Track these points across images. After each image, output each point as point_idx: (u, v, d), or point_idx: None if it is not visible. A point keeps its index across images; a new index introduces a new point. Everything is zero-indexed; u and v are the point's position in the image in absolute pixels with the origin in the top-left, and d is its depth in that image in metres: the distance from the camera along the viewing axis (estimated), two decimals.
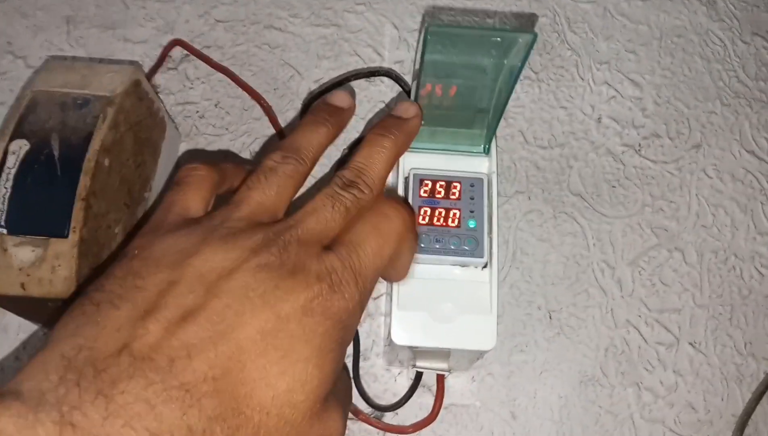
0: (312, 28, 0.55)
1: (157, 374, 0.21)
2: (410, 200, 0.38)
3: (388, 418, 0.42)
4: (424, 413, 0.42)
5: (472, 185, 0.39)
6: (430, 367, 0.39)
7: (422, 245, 0.37)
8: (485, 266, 0.37)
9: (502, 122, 0.51)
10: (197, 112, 0.52)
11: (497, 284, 0.36)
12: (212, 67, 0.52)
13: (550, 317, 0.45)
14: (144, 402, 0.20)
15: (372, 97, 0.52)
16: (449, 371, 0.39)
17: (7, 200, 0.36)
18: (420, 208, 0.38)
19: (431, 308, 0.36)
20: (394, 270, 0.31)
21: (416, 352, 0.38)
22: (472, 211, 0.38)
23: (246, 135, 0.51)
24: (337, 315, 0.24)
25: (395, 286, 0.36)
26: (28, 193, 0.36)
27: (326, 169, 0.49)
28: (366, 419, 0.41)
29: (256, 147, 0.50)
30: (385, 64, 0.54)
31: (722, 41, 0.55)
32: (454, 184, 0.39)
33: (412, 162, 0.39)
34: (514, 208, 0.48)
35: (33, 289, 0.34)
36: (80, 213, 0.36)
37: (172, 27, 0.55)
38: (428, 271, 0.37)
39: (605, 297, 0.46)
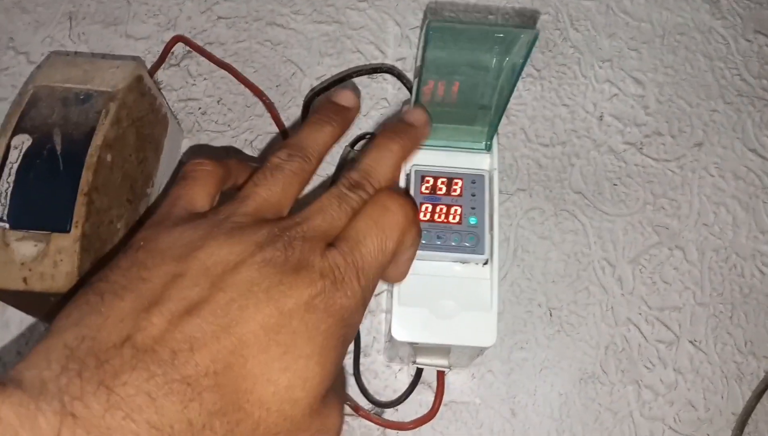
0: (314, 25, 0.55)
1: (159, 366, 0.21)
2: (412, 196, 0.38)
3: (389, 414, 0.42)
4: (424, 410, 0.42)
5: (473, 182, 0.39)
6: (430, 363, 0.39)
7: (423, 242, 0.37)
8: (486, 263, 0.37)
9: (503, 120, 0.51)
10: (199, 108, 0.52)
11: (498, 281, 0.36)
12: (214, 63, 0.52)
13: (551, 315, 0.45)
14: (145, 395, 0.20)
15: (374, 95, 0.52)
16: (449, 367, 0.39)
17: (9, 195, 0.36)
18: (421, 204, 0.38)
19: (432, 305, 0.36)
20: (395, 266, 0.31)
21: (416, 348, 0.38)
22: (473, 208, 0.38)
23: (248, 132, 0.51)
24: (339, 312, 0.24)
25: (395, 284, 0.37)
26: (30, 188, 0.36)
27: (329, 167, 0.49)
28: (366, 416, 0.41)
29: (258, 144, 0.51)
30: (388, 61, 0.54)
31: (725, 39, 0.55)
32: (456, 180, 0.39)
33: (414, 158, 0.39)
34: (515, 205, 0.48)
35: (35, 284, 0.35)
36: (82, 208, 0.36)
37: (174, 23, 0.55)
38: (429, 267, 0.37)
39: (606, 295, 0.46)
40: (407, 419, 0.42)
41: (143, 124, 0.43)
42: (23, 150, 0.37)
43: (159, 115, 0.46)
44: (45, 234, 0.35)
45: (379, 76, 0.53)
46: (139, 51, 0.54)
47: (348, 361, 0.43)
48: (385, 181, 0.29)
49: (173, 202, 0.28)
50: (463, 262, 0.37)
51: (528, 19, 0.56)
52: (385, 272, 0.30)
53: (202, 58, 0.53)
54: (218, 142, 0.50)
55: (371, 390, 0.42)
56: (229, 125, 0.51)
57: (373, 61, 0.54)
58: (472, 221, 0.38)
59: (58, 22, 0.55)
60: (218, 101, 0.52)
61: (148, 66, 0.53)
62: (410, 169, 0.39)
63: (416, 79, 0.36)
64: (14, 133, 0.37)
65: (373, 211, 0.27)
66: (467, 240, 0.37)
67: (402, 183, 0.39)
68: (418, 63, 0.35)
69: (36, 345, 0.21)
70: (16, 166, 0.36)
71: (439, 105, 0.38)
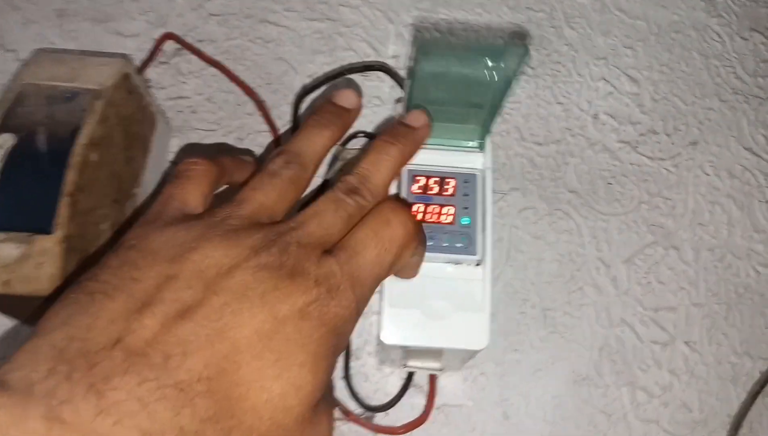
0: (306, 23, 0.54)
1: (151, 370, 0.20)
2: (404, 196, 0.37)
3: (379, 418, 0.42)
4: (416, 414, 0.41)
5: (466, 181, 0.38)
6: (421, 366, 0.38)
7: None
8: (478, 264, 0.37)
9: (497, 118, 0.51)
10: (189, 107, 0.51)
11: (491, 283, 0.36)
12: (205, 61, 0.52)
13: (545, 316, 0.44)
14: (137, 400, 0.19)
15: (367, 93, 0.52)
16: (441, 370, 0.39)
17: None
18: (413, 204, 0.37)
19: (423, 306, 0.36)
20: (401, 272, 0.31)
21: (407, 351, 0.37)
22: (466, 208, 0.37)
23: (239, 130, 0.50)
24: (332, 321, 0.24)
25: (386, 283, 0.36)
26: (13, 188, 0.35)
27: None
28: (356, 420, 0.41)
29: (248, 143, 0.50)
30: (381, 59, 0.53)
31: (720, 37, 0.55)
32: (448, 180, 0.38)
33: None
34: (509, 205, 0.48)
35: (17, 286, 0.34)
36: (66, 209, 0.36)
37: (164, 20, 0.54)
38: (420, 268, 0.37)
39: (600, 295, 0.45)
40: (398, 423, 0.41)
41: (131, 123, 0.42)
42: (7, 149, 0.36)
43: (147, 113, 0.45)
44: (27, 235, 0.34)
45: (372, 74, 0.52)
46: (129, 48, 0.53)
47: (338, 364, 0.42)
48: (382, 186, 0.29)
49: (166, 201, 0.28)
50: (456, 263, 0.37)
51: (518, 37, 0.55)
52: (391, 274, 0.30)
53: (193, 56, 0.52)
54: (208, 140, 0.50)
55: (362, 394, 0.42)
56: (219, 124, 0.50)
57: (366, 59, 0.53)
58: (465, 221, 0.37)
59: (47, 18, 0.54)
60: (208, 99, 0.51)
61: (138, 63, 0.52)
62: (402, 168, 0.38)
63: (407, 91, 0.35)
64: None
65: (374, 222, 0.27)
66: (459, 241, 0.36)
67: (393, 182, 0.39)
68: (407, 84, 0.34)
69: (22, 345, 0.21)
70: None
71: (431, 103, 0.37)
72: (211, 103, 0.51)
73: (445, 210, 0.37)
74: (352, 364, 0.43)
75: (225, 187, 0.32)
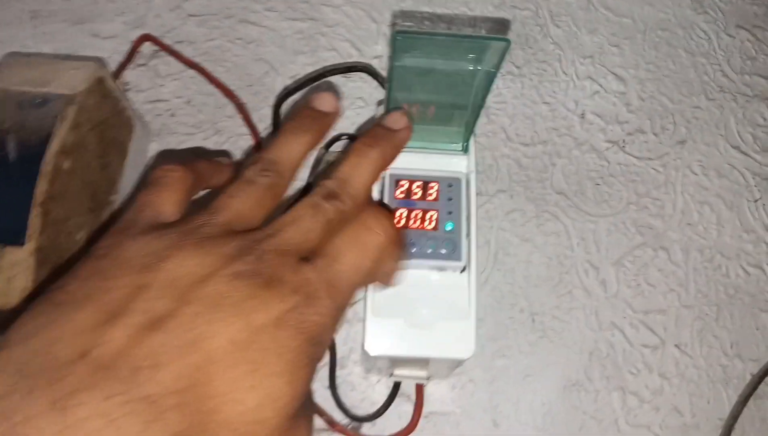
0: (288, 22, 0.53)
1: (118, 384, 0.19)
2: (386, 202, 0.36)
3: (366, 429, 0.41)
4: (404, 423, 0.40)
5: (450, 185, 0.37)
6: (408, 375, 0.37)
7: None
8: (463, 270, 0.36)
9: (483, 119, 0.50)
10: (168, 110, 0.50)
11: (476, 289, 0.35)
12: (183, 63, 0.50)
13: (533, 320, 0.44)
14: (103, 415, 0.18)
15: (350, 94, 0.51)
16: (428, 379, 0.38)
17: None
18: (396, 209, 0.36)
19: (407, 316, 0.35)
20: (378, 278, 0.30)
21: (393, 360, 0.37)
22: (450, 213, 0.37)
23: (218, 134, 0.49)
24: (310, 330, 0.23)
25: (369, 292, 0.35)
26: None
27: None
28: (343, 431, 0.40)
29: (229, 146, 0.49)
30: (364, 59, 0.52)
31: (707, 34, 0.54)
32: (432, 184, 0.37)
33: None
34: (495, 207, 0.47)
35: None
36: (37, 220, 0.34)
37: (142, 21, 0.53)
38: (404, 275, 0.36)
39: (589, 298, 0.44)
40: (386, 433, 0.40)
41: (106, 128, 0.41)
42: None
43: (123, 117, 0.44)
44: None
45: (355, 75, 0.51)
46: (105, 50, 0.52)
47: (323, 373, 0.41)
48: (362, 190, 0.28)
49: (140, 209, 0.27)
50: (440, 269, 0.36)
51: (501, 27, 0.54)
52: (369, 282, 0.29)
53: (171, 58, 0.51)
54: (188, 144, 0.48)
55: (348, 403, 0.41)
56: (199, 127, 0.49)
57: (349, 60, 0.52)
58: (449, 226, 0.36)
59: (21, 20, 0.53)
60: (188, 102, 0.50)
61: (115, 66, 0.51)
62: (384, 173, 0.37)
63: (387, 88, 0.34)
64: None
65: (354, 228, 0.26)
66: (444, 246, 0.36)
67: (376, 187, 0.38)
68: (388, 82, 0.33)
69: None
70: None
71: (412, 102, 0.36)
72: (191, 106, 0.50)
73: (428, 215, 0.36)
74: (338, 373, 0.42)
75: (203, 192, 0.32)
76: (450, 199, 0.37)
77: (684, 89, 0.52)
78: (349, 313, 0.44)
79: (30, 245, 0.34)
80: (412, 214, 0.36)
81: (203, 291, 0.22)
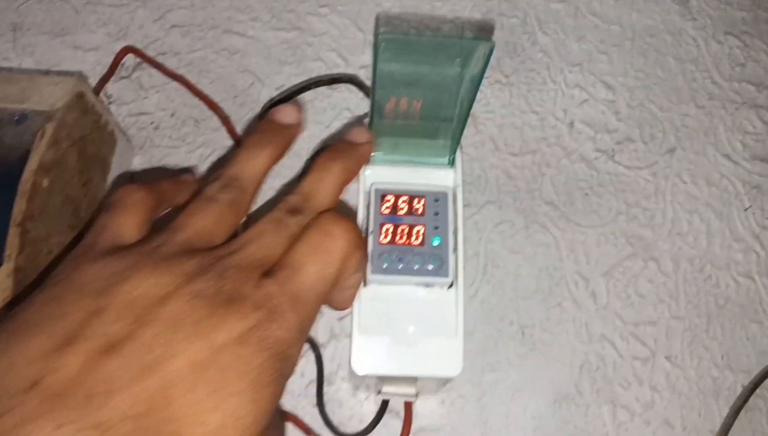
0: (273, 33, 0.53)
1: (70, 412, 0.19)
2: (372, 217, 0.36)
3: None
4: None
5: (436, 200, 0.37)
6: (396, 393, 0.37)
7: (384, 266, 0.35)
8: (451, 286, 0.35)
9: (471, 129, 0.50)
10: (152, 123, 0.49)
11: (463, 306, 0.34)
12: (167, 75, 0.50)
13: (523, 334, 0.43)
14: None
15: (336, 105, 0.50)
16: (417, 396, 0.37)
17: None
18: (382, 225, 0.36)
19: (394, 333, 0.34)
20: (339, 293, 0.29)
21: (381, 378, 0.36)
22: (436, 228, 0.36)
23: (203, 146, 0.48)
24: (275, 346, 0.22)
25: (355, 310, 0.34)
26: None
27: (289, 180, 0.47)
28: None
29: (214, 159, 0.48)
30: (350, 69, 0.52)
31: (695, 41, 0.54)
32: (418, 199, 0.37)
33: (374, 176, 0.37)
34: (484, 218, 0.47)
35: None
36: (15, 239, 0.34)
37: (125, 33, 0.52)
38: (390, 292, 0.35)
39: (579, 311, 0.44)
40: None
41: (87, 144, 0.40)
42: None
43: (105, 132, 0.43)
44: None
45: (341, 86, 0.51)
46: (88, 62, 0.51)
47: (311, 390, 0.41)
48: (325, 205, 0.28)
49: (98, 232, 0.26)
50: (427, 285, 0.35)
51: (484, 30, 0.54)
52: (329, 299, 0.28)
53: (155, 70, 0.50)
54: (172, 157, 0.48)
55: (335, 421, 0.40)
56: (183, 140, 0.48)
57: (335, 70, 0.52)
58: (436, 241, 0.36)
59: (2, 33, 0.52)
60: (172, 115, 0.49)
61: (98, 78, 0.50)
62: (369, 188, 0.37)
63: (371, 94, 0.34)
64: None
65: (313, 236, 0.25)
66: (431, 262, 0.35)
67: (361, 202, 0.37)
68: (371, 77, 0.33)
69: None
70: None
71: (399, 118, 0.36)
72: (175, 119, 0.49)
73: (415, 230, 0.36)
74: (326, 390, 0.41)
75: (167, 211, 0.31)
76: (437, 213, 0.36)
77: (673, 97, 0.52)
78: (336, 328, 0.43)
79: (8, 266, 0.33)
80: (398, 230, 0.36)
81: (161, 312, 0.21)
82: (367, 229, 0.36)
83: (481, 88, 0.31)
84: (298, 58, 0.52)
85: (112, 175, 0.44)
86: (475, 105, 0.32)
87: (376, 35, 0.51)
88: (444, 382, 0.38)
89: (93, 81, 0.50)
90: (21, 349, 0.20)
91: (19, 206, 0.34)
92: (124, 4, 0.53)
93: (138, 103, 0.50)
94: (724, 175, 0.49)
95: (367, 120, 0.38)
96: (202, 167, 0.48)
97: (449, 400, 0.41)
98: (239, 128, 0.49)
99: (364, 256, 0.29)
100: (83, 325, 0.21)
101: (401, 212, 0.36)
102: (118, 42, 0.52)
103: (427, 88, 0.33)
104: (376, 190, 0.37)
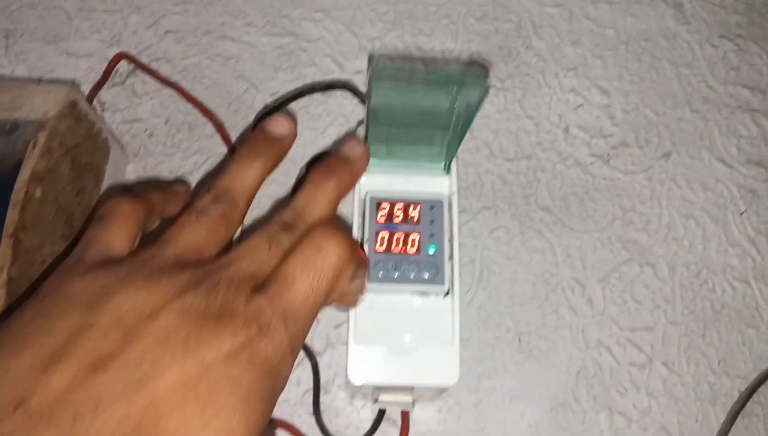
0: (268, 38, 0.53)
1: (57, 431, 0.19)
2: (367, 226, 0.36)
3: None
4: None
5: (431, 208, 0.37)
6: (393, 401, 0.37)
7: (380, 274, 0.35)
8: (447, 294, 0.35)
9: (466, 134, 0.49)
10: (146, 130, 0.49)
11: (459, 314, 0.34)
12: (160, 82, 0.50)
13: (519, 340, 0.43)
14: None
15: (331, 111, 0.50)
16: (413, 404, 0.37)
17: None
18: (377, 233, 0.36)
19: (390, 342, 0.34)
20: (344, 298, 0.29)
21: (377, 387, 0.36)
22: (432, 235, 0.36)
23: (198, 153, 0.48)
24: (265, 362, 0.22)
25: (351, 319, 0.34)
26: None
27: (283, 188, 0.47)
28: None
29: (208, 166, 0.48)
30: (345, 75, 0.52)
31: (690, 45, 0.54)
32: (413, 206, 0.37)
33: (369, 183, 0.37)
34: (480, 224, 0.46)
35: None
36: (8, 250, 0.33)
37: (118, 39, 0.52)
38: (386, 301, 0.35)
39: (576, 317, 0.44)
40: None
41: (80, 152, 0.40)
42: None
43: (99, 140, 0.43)
44: None
45: (336, 91, 0.50)
46: (81, 69, 0.51)
47: (308, 399, 0.40)
48: (319, 221, 0.27)
49: (87, 245, 0.26)
50: (423, 294, 0.35)
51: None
52: (335, 302, 0.28)
53: (148, 76, 0.50)
54: (166, 165, 0.48)
55: (332, 430, 0.40)
56: (177, 147, 0.48)
57: (330, 75, 0.51)
58: (431, 249, 0.36)
59: None
60: (166, 122, 0.49)
61: (91, 85, 0.50)
62: (365, 196, 0.37)
63: (366, 122, 0.34)
64: None
65: (304, 251, 0.25)
66: (426, 270, 0.35)
67: (356, 210, 0.37)
68: (365, 112, 0.33)
69: None
70: None
71: (392, 127, 0.35)
72: (169, 126, 0.49)
73: (410, 238, 0.36)
74: (322, 399, 0.41)
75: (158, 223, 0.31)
76: (432, 221, 0.36)
77: (668, 101, 0.52)
78: (332, 336, 0.43)
79: (1, 277, 0.33)
80: (394, 238, 0.36)
81: (151, 327, 0.21)
82: (362, 237, 0.35)
83: None
84: (293, 64, 0.52)
85: (105, 184, 0.44)
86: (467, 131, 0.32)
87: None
88: (441, 390, 0.37)
89: (86, 88, 0.49)
90: (8, 366, 0.20)
91: (12, 217, 0.34)
92: (117, 10, 0.53)
93: (132, 110, 0.49)
94: (720, 179, 0.49)
95: (362, 128, 0.38)
96: (197, 174, 0.47)
97: (446, 407, 0.41)
98: (234, 135, 0.48)
99: (362, 264, 0.28)
100: (71, 341, 0.21)
101: (397, 220, 0.36)
102: (111, 48, 0.51)
103: (420, 120, 0.33)
104: (371, 198, 0.37)
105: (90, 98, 0.49)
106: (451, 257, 0.36)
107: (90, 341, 0.21)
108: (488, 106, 0.51)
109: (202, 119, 0.49)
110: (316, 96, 0.50)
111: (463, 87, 0.29)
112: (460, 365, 0.34)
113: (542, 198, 0.47)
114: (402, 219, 0.36)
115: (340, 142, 0.32)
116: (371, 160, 0.36)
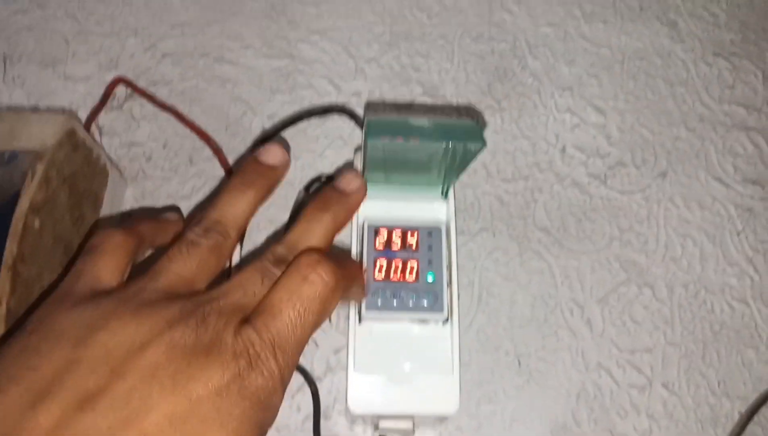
0: (265, 60, 0.53)
1: None
2: (365, 253, 0.36)
3: None
4: None
5: (430, 234, 0.37)
6: (393, 428, 0.36)
7: (379, 302, 0.35)
8: (446, 322, 0.35)
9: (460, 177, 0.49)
10: (144, 153, 0.49)
11: (458, 342, 0.34)
12: (158, 106, 0.50)
13: (519, 363, 0.43)
14: None
15: (329, 133, 0.50)
16: (414, 430, 0.37)
17: None
18: (375, 260, 0.36)
19: (389, 371, 0.34)
20: (347, 300, 0.29)
21: (377, 414, 0.36)
22: (430, 262, 0.36)
23: (196, 177, 0.48)
24: (255, 395, 0.22)
25: (351, 347, 0.34)
26: None
27: (283, 213, 0.47)
28: None
29: (207, 190, 0.48)
30: (342, 96, 0.52)
31: (685, 63, 0.54)
32: (411, 233, 0.37)
33: (366, 210, 0.37)
34: (478, 246, 0.46)
35: None
36: (6, 282, 0.33)
37: (116, 62, 0.52)
38: (385, 329, 0.35)
39: (575, 339, 0.44)
40: None
41: (78, 180, 0.40)
42: None
43: (97, 167, 0.43)
44: None
45: (333, 115, 0.51)
46: (79, 93, 0.51)
47: (308, 425, 0.40)
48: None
49: (76, 277, 0.26)
50: (422, 321, 0.35)
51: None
52: (347, 297, 0.28)
53: (146, 100, 0.50)
54: (164, 189, 0.48)
55: None
56: (175, 171, 0.48)
57: (327, 97, 0.52)
58: (430, 276, 0.36)
59: None
60: (164, 145, 0.49)
61: (89, 109, 0.50)
62: (362, 223, 0.37)
63: (362, 163, 0.34)
64: None
65: (289, 281, 0.25)
66: (425, 298, 0.35)
67: (354, 237, 0.37)
68: (362, 150, 0.33)
69: None
70: None
71: (390, 164, 0.35)
72: (167, 149, 0.49)
73: (409, 266, 0.36)
74: (323, 424, 0.41)
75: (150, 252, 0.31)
76: (430, 247, 0.36)
77: (663, 120, 0.52)
78: (332, 361, 0.43)
79: (0, 310, 0.33)
80: (392, 265, 0.36)
81: (138, 362, 0.21)
82: (360, 264, 0.35)
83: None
84: (290, 86, 0.52)
85: (104, 209, 0.44)
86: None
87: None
88: (441, 418, 0.37)
89: (84, 112, 0.50)
90: None
91: (10, 248, 0.34)
92: (114, 34, 0.53)
93: (130, 134, 0.49)
94: (717, 198, 0.49)
95: (359, 154, 0.38)
96: (195, 198, 0.47)
97: (447, 433, 0.41)
98: (232, 158, 0.48)
99: (354, 281, 0.28)
100: (58, 377, 0.21)
101: (395, 247, 0.36)
102: (109, 72, 0.51)
103: (416, 167, 0.33)
104: (369, 225, 0.37)
105: (88, 123, 0.49)
106: (449, 284, 0.36)
107: (77, 378, 0.21)
108: (486, 140, 0.51)
109: (199, 143, 0.49)
110: (314, 118, 0.50)
111: (458, 141, 0.30)
112: (460, 393, 0.34)
113: (540, 219, 0.47)
114: (400, 246, 0.36)
115: (338, 173, 0.32)
116: (368, 186, 0.36)
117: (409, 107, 0.51)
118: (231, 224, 0.27)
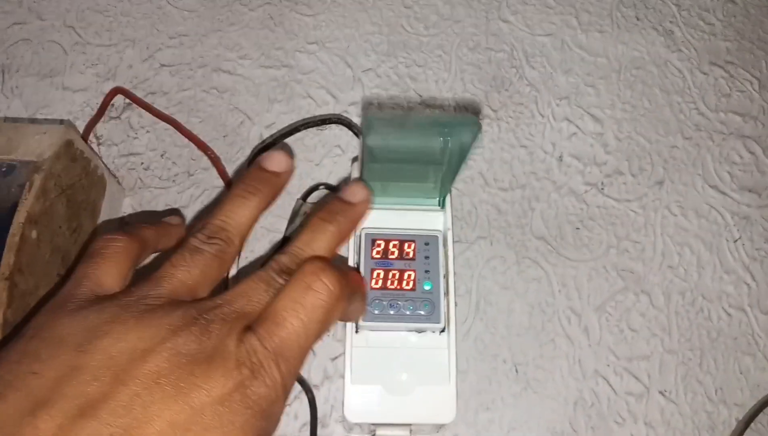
0: (262, 70, 0.53)
1: None
2: (362, 262, 0.36)
3: None
4: None
5: (426, 244, 0.37)
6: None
7: (376, 312, 0.35)
8: (443, 331, 0.35)
9: (456, 180, 0.49)
10: (142, 163, 0.49)
11: (455, 351, 0.34)
12: (156, 116, 0.50)
13: (517, 371, 0.43)
14: None
15: (326, 142, 0.50)
16: None
17: None
18: (373, 270, 0.36)
19: (386, 381, 0.34)
20: (342, 320, 0.29)
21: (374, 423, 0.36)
22: (427, 272, 0.36)
23: (194, 187, 0.48)
24: (257, 404, 0.22)
25: (348, 357, 0.34)
26: None
27: (281, 221, 0.47)
28: None
29: (205, 199, 0.48)
30: (340, 106, 0.52)
31: (681, 72, 0.54)
32: (408, 243, 0.37)
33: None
34: (476, 254, 0.47)
35: None
36: (3, 294, 0.33)
37: (114, 73, 0.52)
38: (382, 339, 0.35)
39: (572, 346, 0.44)
40: None
41: (75, 191, 0.40)
42: None
43: (95, 177, 0.43)
44: None
45: (331, 125, 0.51)
46: (77, 104, 0.51)
47: (305, 433, 0.40)
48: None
49: (78, 282, 0.25)
50: (419, 331, 0.35)
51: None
52: (324, 333, 0.28)
53: (144, 110, 0.50)
54: (162, 199, 0.48)
55: None
56: (174, 181, 0.48)
57: (325, 107, 0.52)
58: (427, 286, 0.36)
59: None
60: (162, 155, 0.49)
61: (87, 119, 0.50)
62: (360, 232, 0.37)
63: (359, 165, 0.34)
64: None
65: (293, 290, 0.25)
66: (422, 307, 0.35)
67: (352, 247, 0.37)
68: (360, 156, 0.33)
69: None
70: None
71: (389, 162, 0.36)
72: (165, 159, 0.49)
73: (406, 275, 0.36)
74: (320, 432, 0.41)
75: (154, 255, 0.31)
76: (427, 257, 0.37)
77: (660, 128, 0.52)
78: (329, 369, 0.43)
79: None
80: (390, 275, 0.36)
81: (141, 370, 0.21)
82: (361, 276, 0.36)
83: None
84: (288, 96, 0.52)
85: (102, 219, 0.44)
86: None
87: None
88: (438, 427, 0.37)
89: (82, 122, 0.50)
90: None
91: (7, 260, 0.34)
92: (113, 44, 0.53)
93: (128, 144, 0.50)
94: (713, 206, 0.49)
95: (356, 165, 0.38)
96: (193, 208, 0.48)
97: None
98: (230, 168, 0.49)
99: (356, 290, 0.28)
100: (59, 384, 0.20)
101: (392, 257, 0.36)
102: (107, 82, 0.52)
103: (414, 162, 0.33)
104: (367, 235, 0.37)
105: (86, 133, 0.49)
106: (446, 293, 0.36)
107: (79, 385, 0.20)
108: (482, 135, 0.51)
109: (197, 152, 0.49)
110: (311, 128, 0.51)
111: (454, 130, 0.30)
112: (456, 402, 0.34)
113: (537, 227, 0.48)
114: (397, 256, 0.36)
115: (343, 185, 0.32)
116: None
117: (407, 111, 0.51)
118: (235, 230, 0.27)
